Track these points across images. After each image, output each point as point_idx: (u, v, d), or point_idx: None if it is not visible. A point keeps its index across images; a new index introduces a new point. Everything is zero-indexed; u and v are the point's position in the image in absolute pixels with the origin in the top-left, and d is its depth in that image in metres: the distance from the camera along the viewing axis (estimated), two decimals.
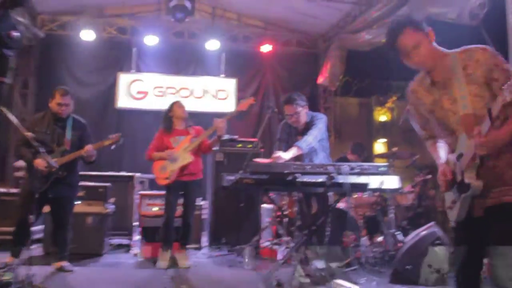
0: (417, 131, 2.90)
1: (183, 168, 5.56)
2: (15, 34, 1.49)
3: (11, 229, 6.12)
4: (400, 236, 5.83)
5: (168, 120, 5.84)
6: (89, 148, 5.05)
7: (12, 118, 4.59)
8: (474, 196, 2.41)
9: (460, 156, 2.49)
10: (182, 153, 5.56)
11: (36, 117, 5.29)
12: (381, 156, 9.20)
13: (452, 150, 2.61)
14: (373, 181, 4.09)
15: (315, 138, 4.89)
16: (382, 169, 4.11)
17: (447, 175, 2.55)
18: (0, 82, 1.55)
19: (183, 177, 5.59)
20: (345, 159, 7.09)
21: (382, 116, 12.41)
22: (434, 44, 2.59)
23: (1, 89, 1.50)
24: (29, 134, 4.70)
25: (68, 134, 5.15)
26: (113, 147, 5.20)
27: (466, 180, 2.42)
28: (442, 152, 2.71)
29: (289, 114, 5.03)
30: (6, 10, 1.45)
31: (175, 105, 5.88)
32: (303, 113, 5.05)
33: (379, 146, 12.26)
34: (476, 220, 2.46)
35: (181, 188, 5.66)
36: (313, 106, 9.53)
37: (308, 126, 5.04)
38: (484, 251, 2.49)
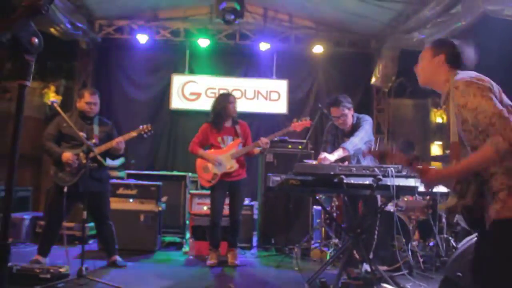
0: None
1: (227, 173, 5.61)
2: (36, 40, 1.60)
3: (71, 224, 6.53)
4: (453, 242, 5.67)
5: (218, 116, 5.70)
6: (119, 139, 5.07)
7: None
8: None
9: None
10: (228, 159, 5.57)
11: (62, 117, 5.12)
12: (434, 159, 8.98)
13: None
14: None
15: (361, 139, 4.85)
16: None
17: None
18: (22, 85, 1.66)
19: (227, 178, 5.62)
20: None
21: (438, 117, 12.07)
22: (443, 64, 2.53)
23: (23, 92, 1.61)
24: (82, 134, 4.82)
25: (96, 130, 5.24)
26: (145, 135, 5.12)
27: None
28: None
29: (336, 116, 5.00)
30: (27, 18, 1.56)
31: (229, 102, 5.68)
32: (349, 115, 5.01)
33: (436, 148, 11.92)
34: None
35: (226, 188, 5.67)
36: (367, 108, 9.45)
37: (354, 128, 5.01)
38: None
